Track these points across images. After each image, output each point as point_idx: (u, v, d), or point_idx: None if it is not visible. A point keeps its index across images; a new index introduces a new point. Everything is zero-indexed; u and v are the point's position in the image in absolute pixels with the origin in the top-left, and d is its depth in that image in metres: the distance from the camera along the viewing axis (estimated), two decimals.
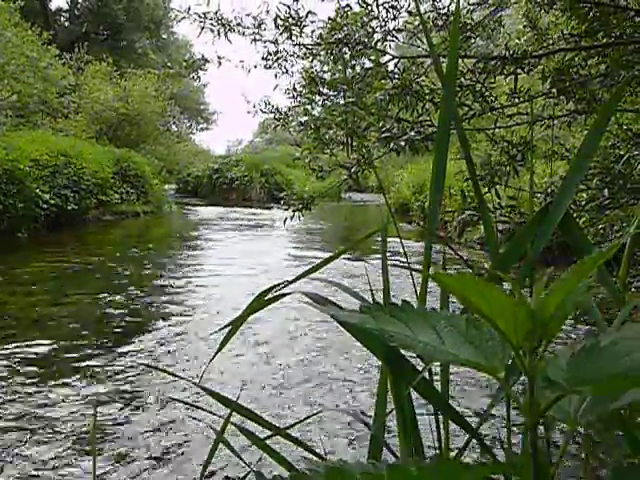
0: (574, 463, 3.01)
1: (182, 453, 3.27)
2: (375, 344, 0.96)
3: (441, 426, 1.06)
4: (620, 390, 0.60)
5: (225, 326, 1.07)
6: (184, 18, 4.94)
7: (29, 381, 4.18)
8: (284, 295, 1.02)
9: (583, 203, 4.04)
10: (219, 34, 4.63)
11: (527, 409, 0.58)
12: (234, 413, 1.05)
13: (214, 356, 1.16)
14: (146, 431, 3.49)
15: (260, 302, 1.03)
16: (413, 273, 1.20)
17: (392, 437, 1.17)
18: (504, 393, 0.94)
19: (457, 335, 0.63)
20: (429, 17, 4.32)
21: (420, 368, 0.93)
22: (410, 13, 4.23)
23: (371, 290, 1.15)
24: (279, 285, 1.04)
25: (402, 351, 0.91)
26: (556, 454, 1.87)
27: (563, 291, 0.56)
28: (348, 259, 9.37)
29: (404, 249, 1.36)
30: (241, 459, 1.14)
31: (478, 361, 0.60)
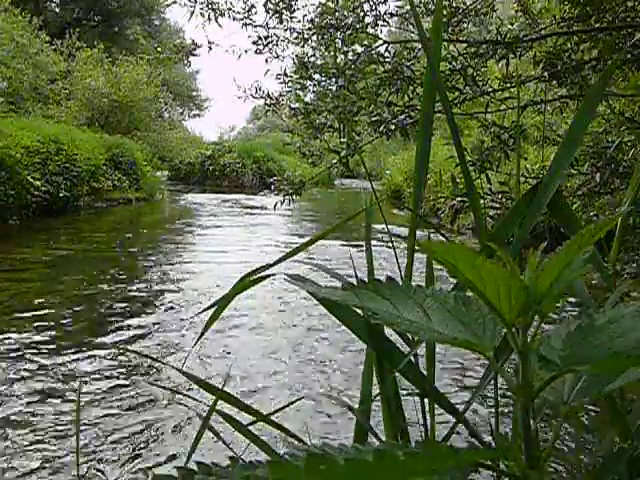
0: (563, 449, 3.01)
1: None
2: (358, 325, 0.93)
3: (427, 410, 1.03)
4: (616, 370, 0.57)
5: (208, 307, 1.04)
6: (175, 2, 4.89)
7: (24, 366, 4.16)
8: (268, 276, 0.99)
9: (575, 188, 4.03)
10: (209, 19, 4.59)
11: (519, 390, 0.55)
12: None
13: (198, 339, 1.13)
14: (143, 430, 3.48)
15: (244, 284, 1.00)
16: (398, 257, 1.18)
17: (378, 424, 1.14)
18: (493, 374, 0.91)
19: (444, 312, 0.60)
20: (421, 1, 4.28)
21: (406, 350, 0.90)
22: None
23: (355, 275, 1.13)
24: (264, 267, 1.01)
25: (387, 333, 0.88)
26: (546, 439, 1.85)
27: (559, 266, 0.53)
28: (351, 245, 9.34)
29: (388, 229, 1.33)
30: (228, 446, 1.12)
31: (467, 339, 0.56)
